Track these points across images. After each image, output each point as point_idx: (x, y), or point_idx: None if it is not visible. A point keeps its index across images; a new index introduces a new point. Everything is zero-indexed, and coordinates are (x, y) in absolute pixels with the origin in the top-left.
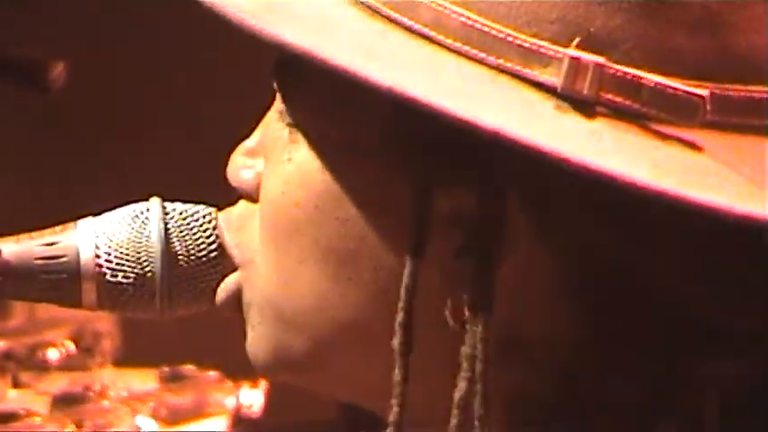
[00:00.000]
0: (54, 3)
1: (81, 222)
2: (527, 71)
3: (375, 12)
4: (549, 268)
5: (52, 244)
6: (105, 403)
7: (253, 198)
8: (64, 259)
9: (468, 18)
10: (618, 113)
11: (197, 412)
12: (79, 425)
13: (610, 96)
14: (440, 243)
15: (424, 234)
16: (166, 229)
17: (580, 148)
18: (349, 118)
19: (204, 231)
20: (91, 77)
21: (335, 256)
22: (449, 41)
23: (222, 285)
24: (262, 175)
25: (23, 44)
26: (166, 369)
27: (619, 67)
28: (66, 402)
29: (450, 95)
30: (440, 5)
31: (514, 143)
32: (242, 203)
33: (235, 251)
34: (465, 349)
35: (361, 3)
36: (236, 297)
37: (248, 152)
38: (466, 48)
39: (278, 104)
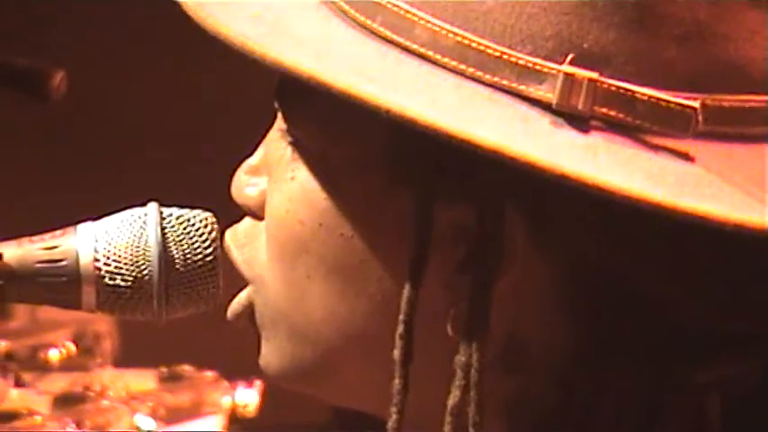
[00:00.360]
0: (55, 13)
1: (80, 226)
2: (522, 88)
3: (372, 33)
4: (547, 279)
5: (52, 248)
6: (105, 403)
7: (257, 215)
8: (64, 263)
9: (464, 38)
10: (612, 126)
11: (194, 411)
12: (79, 424)
13: (604, 110)
14: (443, 256)
15: (425, 249)
16: (163, 234)
17: (577, 162)
18: (350, 137)
19: (201, 236)
20: (90, 86)
21: (342, 271)
22: (445, 60)
23: (235, 300)
24: (266, 193)
25: (25, 53)
26: (164, 369)
27: (612, 81)
28: (66, 402)
29: (450, 114)
30: (435, 26)
31: (514, 160)
32: (247, 220)
33: (243, 267)
34: (459, 358)
35: (359, 24)
36: (249, 311)
37: (251, 170)
38: (462, 66)
39: (279, 123)
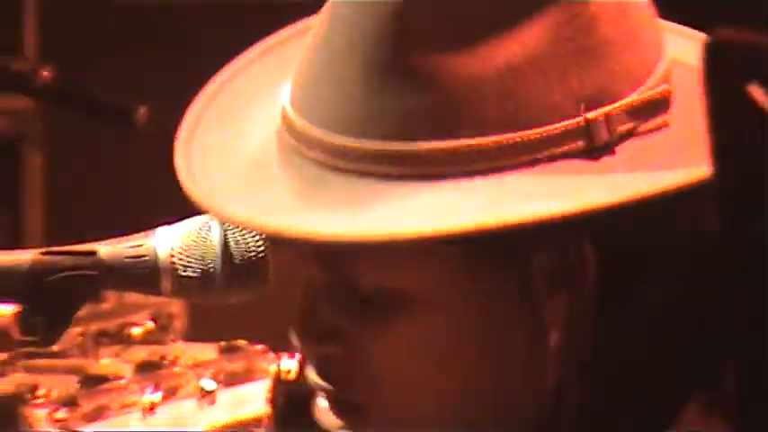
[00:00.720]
0: (138, 55)
1: (159, 229)
2: (563, 150)
3: (429, 177)
4: (603, 285)
5: (137, 246)
6: (176, 369)
7: (343, 357)
8: (146, 258)
9: (504, 139)
10: (623, 137)
11: (247, 376)
12: (156, 386)
13: (619, 129)
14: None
15: (533, 300)
16: (225, 235)
17: (635, 185)
18: (431, 261)
19: (254, 237)
20: (168, 118)
21: (477, 349)
22: (498, 163)
23: (338, 407)
24: (352, 349)
25: (114, 90)
26: (224, 343)
27: (614, 105)
28: (146, 368)
29: (538, 202)
30: (472, 144)
31: (596, 210)
32: (323, 358)
33: (346, 393)
34: (563, 346)
35: (407, 176)
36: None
37: (322, 338)
38: (518, 160)
39: (327, 284)
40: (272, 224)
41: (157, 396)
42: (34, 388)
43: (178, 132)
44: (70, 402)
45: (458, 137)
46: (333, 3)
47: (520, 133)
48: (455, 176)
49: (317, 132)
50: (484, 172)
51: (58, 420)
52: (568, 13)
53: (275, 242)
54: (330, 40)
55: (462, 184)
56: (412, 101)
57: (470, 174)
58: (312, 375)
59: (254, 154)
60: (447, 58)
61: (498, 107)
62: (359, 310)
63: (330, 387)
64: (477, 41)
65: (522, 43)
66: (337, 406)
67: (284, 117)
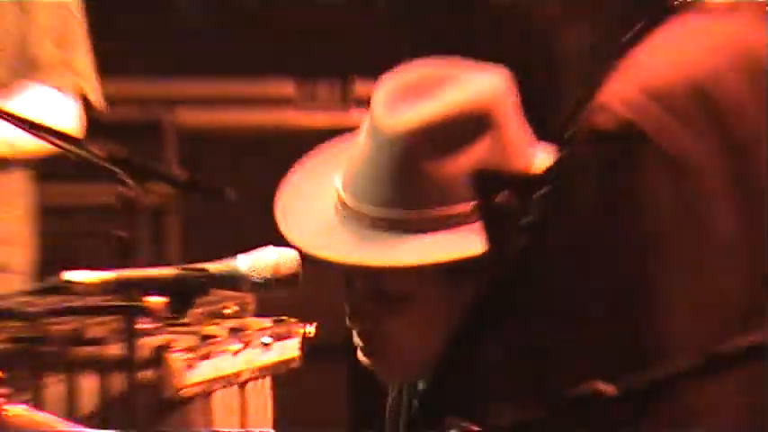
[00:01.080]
0: (223, 152)
1: (240, 256)
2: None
3: (425, 229)
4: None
5: (228, 265)
6: (249, 332)
7: (372, 330)
8: (233, 272)
9: (468, 207)
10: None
11: (288, 335)
12: (240, 341)
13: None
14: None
15: (484, 291)
16: (276, 261)
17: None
18: (421, 272)
19: (291, 261)
20: (248, 197)
21: (438, 313)
22: (464, 221)
23: (365, 358)
24: (381, 321)
25: (217, 179)
26: (274, 317)
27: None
28: (233, 332)
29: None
30: (455, 211)
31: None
32: (363, 333)
33: (372, 343)
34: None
35: (405, 227)
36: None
37: (360, 320)
38: (472, 219)
39: (360, 287)
40: (343, 259)
41: (240, 346)
42: (172, 342)
43: (276, 200)
44: (192, 350)
45: (444, 207)
46: (374, 125)
47: (475, 203)
48: (442, 229)
49: (362, 206)
50: (455, 225)
51: (185, 360)
52: (496, 135)
53: (336, 267)
54: (370, 150)
55: (442, 235)
56: (417, 187)
57: (448, 227)
58: (355, 338)
59: (322, 219)
60: (437, 163)
61: (466, 189)
62: (382, 303)
63: (363, 344)
64: (453, 153)
65: (476, 153)
66: (366, 354)
67: (339, 195)
